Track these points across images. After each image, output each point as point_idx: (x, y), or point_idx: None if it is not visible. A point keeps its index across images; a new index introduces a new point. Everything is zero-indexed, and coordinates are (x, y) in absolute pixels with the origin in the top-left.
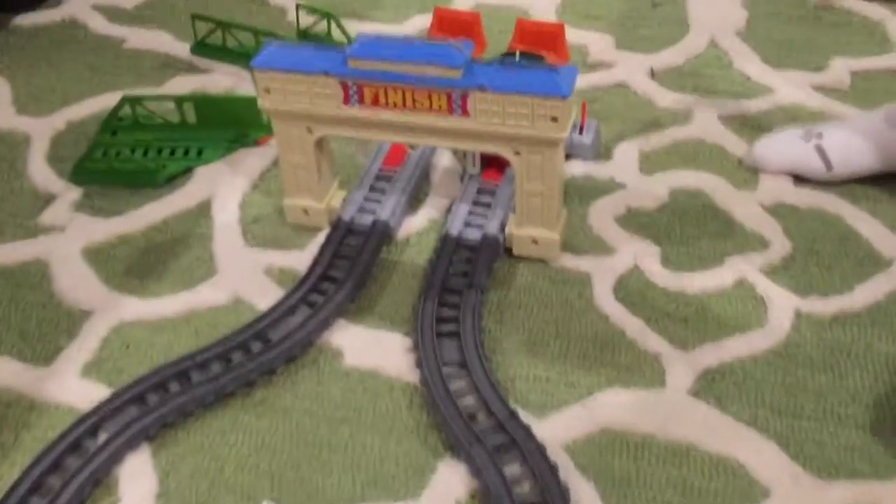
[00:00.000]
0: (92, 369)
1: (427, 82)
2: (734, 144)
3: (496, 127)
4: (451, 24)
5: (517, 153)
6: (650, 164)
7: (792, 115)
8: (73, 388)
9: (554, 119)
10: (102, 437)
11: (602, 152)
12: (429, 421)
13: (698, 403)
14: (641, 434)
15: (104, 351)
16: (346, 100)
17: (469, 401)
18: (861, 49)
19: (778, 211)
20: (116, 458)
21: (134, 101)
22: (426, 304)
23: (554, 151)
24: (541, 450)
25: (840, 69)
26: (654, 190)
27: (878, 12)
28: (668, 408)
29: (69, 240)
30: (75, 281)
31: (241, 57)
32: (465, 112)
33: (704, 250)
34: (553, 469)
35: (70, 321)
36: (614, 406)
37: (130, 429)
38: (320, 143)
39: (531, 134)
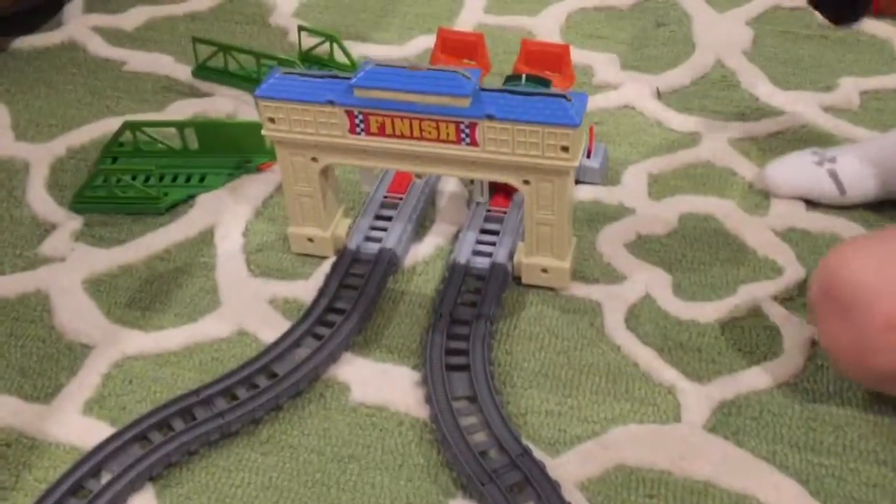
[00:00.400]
0: (94, 406)
1: (434, 111)
2: (744, 167)
3: (505, 156)
4: (455, 46)
5: (526, 182)
6: (659, 188)
7: (801, 137)
8: (75, 426)
9: (564, 148)
10: (105, 477)
11: (610, 176)
12: (439, 458)
13: (715, 438)
14: (658, 471)
15: (106, 387)
16: (353, 129)
17: (481, 437)
18: (869, 68)
19: (790, 236)
20: (119, 500)
21: (135, 126)
22: (434, 337)
23: (564, 180)
24: (555, 488)
25: (849, 89)
26: (663, 215)
27: (885, 31)
28: (684, 443)
29: (70, 270)
30: (76, 314)
31: (242, 80)
32: (473, 141)
33: (716, 278)
34: None
35: (71, 356)
36: (629, 442)
37: (133, 469)
38: (325, 172)
39: (541, 163)
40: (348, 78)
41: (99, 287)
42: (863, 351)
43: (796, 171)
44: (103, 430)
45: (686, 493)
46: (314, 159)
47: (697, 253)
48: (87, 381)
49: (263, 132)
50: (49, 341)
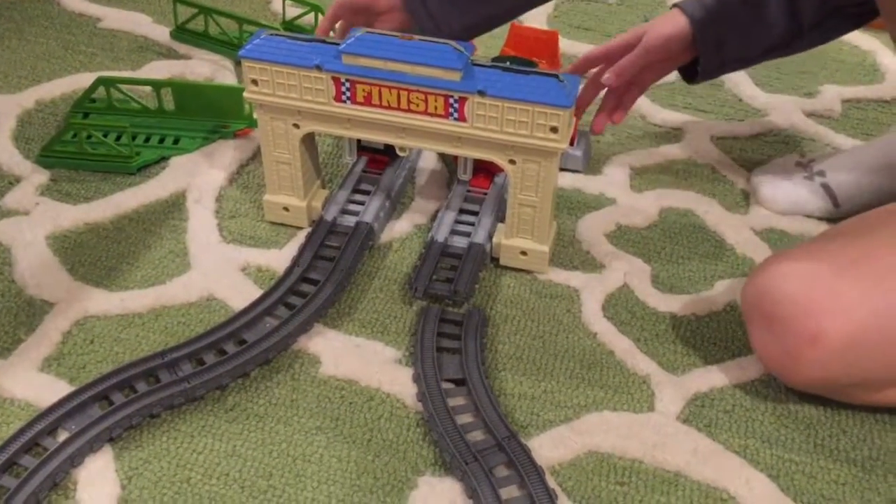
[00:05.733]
0: (52, 364)
1: (424, 83)
2: (726, 167)
3: (493, 134)
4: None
5: (512, 161)
6: (641, 180)
7: (783, 140)
8: (32, 382)
9: (553, 129)
10: (62, 436)
11: (592, 166)
12: (409, 436)
13: (688, 430)
14: (629, 459)
15: (66, 345)
16: (338, 96)
17: (467, 418)
18: (851, 77)
19: (769, 236)
20: (76, 459)
21: (109, 82)
22: (427, 318)
23: (550, 162)
24: (540, 473)
25: (831, 96)
26: (644, 207)
27: (868, 42)
28: (656, 433)
29: (33, 225)
30: (38, 269)
31: (222, 45)
32: (461, 116)
33: (695, 272)
34: (551, 495)
35: (30, 312)
36: (602, 429)
37: (92, 429)
38: (306, 140)
39: (529, 143)
40: (337, 44)
41: (63, 244)
42: (791, 362)
43: (789, 188)
44: (62, 389)
45: (657, 482)
46: (296, 125)
47: (676, 247)
48: (46, 338)
49: (245, 94)
50: (8, 295)
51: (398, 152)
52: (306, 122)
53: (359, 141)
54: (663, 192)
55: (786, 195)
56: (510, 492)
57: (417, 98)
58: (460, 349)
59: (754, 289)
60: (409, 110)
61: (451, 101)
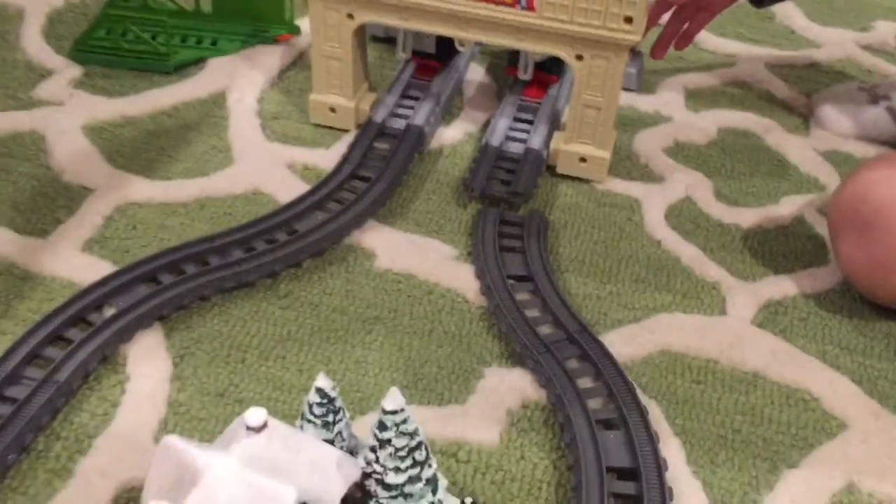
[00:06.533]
0: (94, 246)
1: None
2: (783, 92)
3: (562, 24)
4: None
5: (579, 57)
6: (696, 101)
7: (839, 70)
8: (73, 262)
9: (628, 19)
10: (109, 312)
11: (644, 86)
12: (471, 329)
13: (763, 333)
14: (704, 358)
15: (108, 229)
16: None
17: (535, 313)
18: None
19: (833, 158)
20: (125, 334)
21: None
22: (487, 218)
23: (620, 58)
24: (616, 365)
25: (885, 31)
26: (702, 125)
27: None
28: (731, 334)
29: (68, 115)
30: (75, 156)
31: None
32: (530, 5)
33: (758, 188)
34: (630, 386)
35: (68, 196)
36: (674, 328)
37: (141, 306)
38: (358, 34)
39: (601, 34)
40: None
41: (101, 134)
42: (882, 273)
43: (854, 112)
44: (106, 269)
45: (734, 381)
46: (350, 16)
47: (738, 164)
48: (87, 221)
49: None
50: (45, 180)
51: (457, 46)
52: (361, 11)
53: None
54: (720, 112)
55: (850, 119)
56: (584, 383)
57: None
58: (523, 249)
59: (849, 196)
60: None
61: None
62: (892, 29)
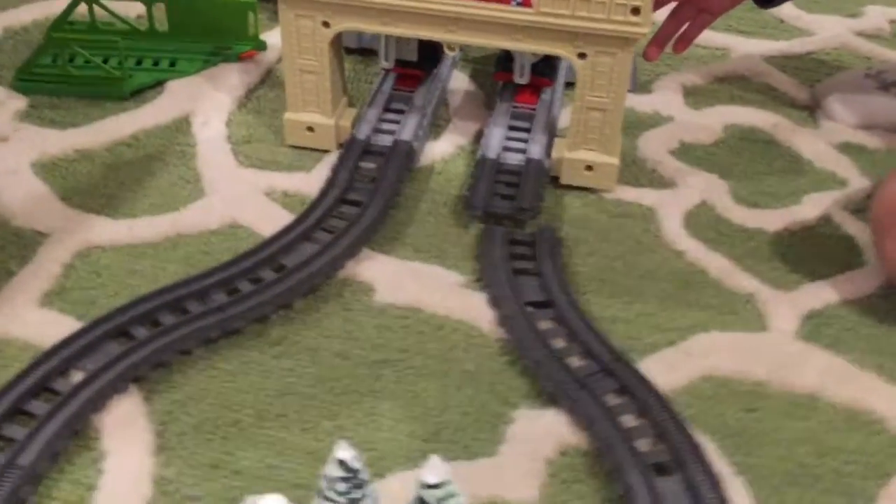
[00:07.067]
0: (54, 299)
1: None
2: (784, 83)
3: (563, 20)
4: None
5: (582, 55)
6: (695, 98)
7: (836, 58)
8: (31, 319)
9: (635, 10)
10: (77, 377)
11: (639, 85)
12: (491, 366)
13: (812, 348)
14: (752, 381)
15: (69, 279)
16: None
17: (560, 343)
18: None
19: (847, 150)
20: (97, 403)
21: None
22: (493, 239)
23: (627, 54)
24: (660, 399)
25: (876, 16)
26: (706, 124)
27: None
28: (776, 352)
29: (15, 151)
30: (26, 198)
31: None
32: (526, 1)
33: (776, 187)
34: (680, 422)
35: (21, 244)
36: (713, 349)
37: (114, 368)
38: (335, 44)
39: (605, 28)
40: None
41: (53, 171)
42: None
43: (863, 100)
44: (69, 325)
45: (790, 406)
46: (325, 24)
47: (750, 163)
48: (43, 271)
49: None
50: None
51: (446, 51)
52: (338, 17)
53: None
54: (723, 109)
55: (860, 108)
56: (628, 421)
57: None
58: (537, 271)
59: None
60: None
61: None
62: (883, 14)
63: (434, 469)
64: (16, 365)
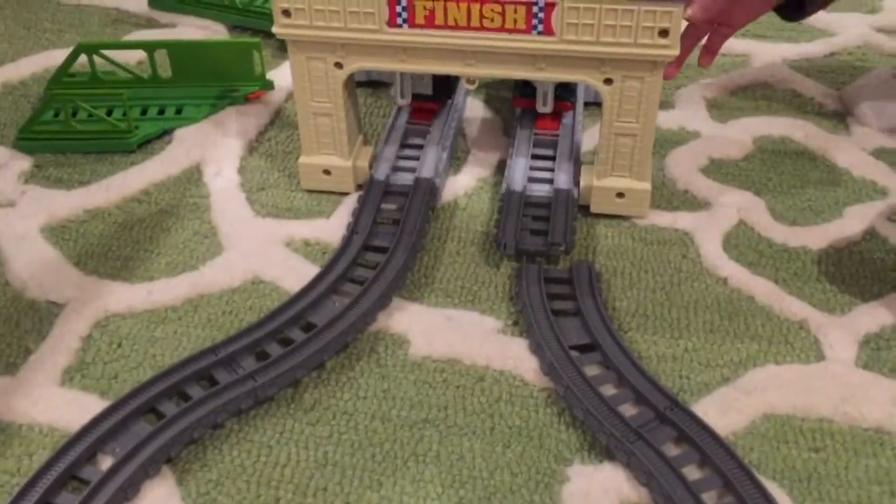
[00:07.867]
0: (74, 376)
1: None
2: (809, 88)
3: (587, 46)
4: None
5: (608, 81)
6: (720, 111)
7: (860, 58)
8: (52, 400)
9: (663, 33)
10: (105, 463)
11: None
12: (538, 419)
13: (874, 377)
14: (815, 418)
15: (88, 352)
16: (393, 20)
17: (610, 390)
18: None
19: (883, 156)
20: (129, 490)
21: (92, 49)
22: (528, 278)
23: (656, 77)
24: (724, 446)
25: None
26: (735, 138)
27: None
28: (838, 384)
29: (22, 216)
30: (36, 266)
31: (209, 7)
32: (548, 29)
33: (815, 200)
34: (747, 470)
35: (35, 317)
36: (770, 385)
37: (144, 450)
38: (348, 84)
39: (632, 53)
40: None
41: (63, 234)
42: None
43: (892, 102)
44: (93, 405)
45: (857, 443)
46: (338, 65)
47: (784, 176)
48: (62, 346)
49: (275, 30)
50: (4, 301)
51: (465, 84)
52: (351, 58)
53: None
54: (749, 120)
55: (893, 111)
56: (691, 473)
57: (492, 11)
58: (578, 310)
59: None
60: (481, 28)
61: (536, 9)
62: None
63: None
64: (41, 452)
